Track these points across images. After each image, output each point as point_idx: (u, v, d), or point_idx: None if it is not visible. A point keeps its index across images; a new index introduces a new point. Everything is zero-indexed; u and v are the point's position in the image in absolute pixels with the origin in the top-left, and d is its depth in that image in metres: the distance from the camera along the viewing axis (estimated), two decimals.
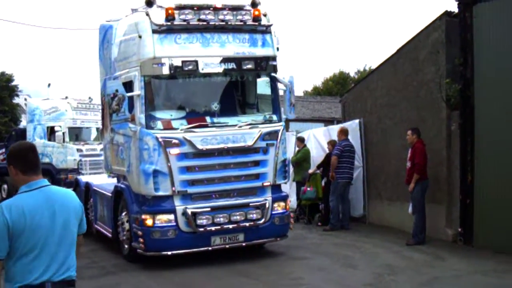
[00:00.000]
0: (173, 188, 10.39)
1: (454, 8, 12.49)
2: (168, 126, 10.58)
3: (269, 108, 11.57)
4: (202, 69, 10.63)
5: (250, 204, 10.90)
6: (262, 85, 11.80)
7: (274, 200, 11.15)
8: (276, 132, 11.12)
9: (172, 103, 11.14)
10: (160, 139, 10.33)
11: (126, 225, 11.26)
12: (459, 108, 12.21)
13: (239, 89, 11.81)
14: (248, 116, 11.31)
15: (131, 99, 10.66)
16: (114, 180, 13.83)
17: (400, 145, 13.56)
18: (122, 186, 11.48)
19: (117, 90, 10.58)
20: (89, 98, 26.62)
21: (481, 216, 11.46)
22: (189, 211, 10.42)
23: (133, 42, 10.89)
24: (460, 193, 11.94)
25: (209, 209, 10.58)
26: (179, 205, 10.47)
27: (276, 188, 11.28)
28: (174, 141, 10.42)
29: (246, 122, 10.99)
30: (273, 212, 11.13)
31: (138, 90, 10.62)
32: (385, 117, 14.62)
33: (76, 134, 25.91)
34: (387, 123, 14.59)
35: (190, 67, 10.56)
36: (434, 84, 12.77)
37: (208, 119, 10.86)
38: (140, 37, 10.57)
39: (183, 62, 10.51)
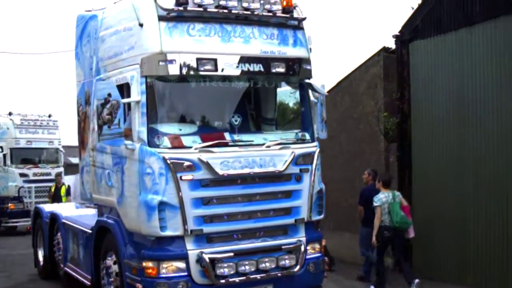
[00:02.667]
0: (186, 227, 7.80)
1: (391, 44, 13.29)
2: (177, 144, 8.01)
3: (296, 124, 9.16)
4: (222, 70, 8.13)
5: (283, 247, 8.41)
6: (286, 95, 9.39)
7: (308, 241, 8.70)
8: (311, 154, 8.70)
9: (181, 113, 8.56)
10: (169, 161, 7.75)
11: (114, 272, 8.58)
12: (397, 141, 12.96)
13: (265, 98, 9.33)
14: (276, 134, 8.84)
15: (126, 107, 8.06)
16: (89, 211, 11.18)
17: (339, 176, 14.22)
18: (109, 221, 8.79)
19: (109, 95, 7.97)
20: (49, 114, 23.58)
21: (419, 246, 11.93)
22: (206, 257, 7.84)
23: (129, 33, 8.32)
24: None
25: (231, 254, 8.03)
26: (192, 249, 7.89)
27: (309, 225, 8.83)
28: (187, 163, 7.85)
29: (275, 141, 8.52)
30: (308, 257, 8.67)
31: (137, 95, 8.04)
32: (326, 148, 12.78)
33: (23, 155, 22.89)
34: (328, 154, 13.53)
35: (208, 66, 8.05)
36: (372, 117, 13.44)
37: (227, 136, 8.35)
38: (141, 25, 8.02)
39: (198, 60, 7.99)
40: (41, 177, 22.46)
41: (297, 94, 9.13)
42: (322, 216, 8.91)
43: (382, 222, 10.79)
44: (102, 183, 9.07)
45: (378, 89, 13.60)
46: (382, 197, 10.89)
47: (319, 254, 8.83)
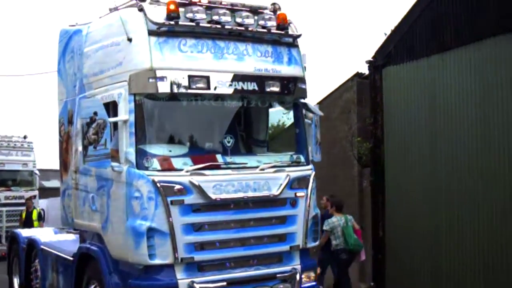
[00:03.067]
0: (176, 254, 7.31)
1: (365, 70, 13.45)
2: (167, 166, 7.55)
3: (290, 146, 8.76)
4: (215, 89, 7.72)
5: (278, 276, 7.96)
6: (278, 115, 9.00)
7: (303, 270, 8.26)
8: (306, 178, 8.29)
9: (171, 134, 8.11)
10: (159, 184, 7.28)
11: None
12: (370, 166, 13.09)
13: (257, 119, 8.91)
14: (269, 156, 8.42)
15: (113, 127, 7.59)
16: (69, 236, 10.62)
17: None
18: (93, 248, 8.25)
19: (95, 113, 7.50)
20: (24, 136, 22.87)
21: (392, 271, 12.09)
22: (197, 287, 7.35)
23: (117, 48, 7.89)
24: (372, 248, 12.54)
25: (224, 283, 7.55)
26: (182, 278, 7.40)
27: (304, 252, 8.38)
28: (178, 187, 7.39)
29: (270, 163, 8.10)
30: (302, 286, 8.22)
31: (124, 114, 7.58)
32: None
33: None
34: None
35: (200, 84, 7.64)
36: (346, 142, 13.71)
37: (219, 158, 7.90)
38: (129, 40, 7.60)
39: (190, 77, 7.57)
40: (14, 201, 21.65)
41: (290, 114, 8.74)
42: (317, 243, 8.48)
43: (337, 245, 11.07)
44: (85, 207, 8.55)
45: (351, 114, 13.92)
46: (334, 221, 11.15)
47: (313, 283, 8.39)
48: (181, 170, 7.51)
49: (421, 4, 11.75)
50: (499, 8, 10.15)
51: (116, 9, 8.35)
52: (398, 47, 12.31)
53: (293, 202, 8.13)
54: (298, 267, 8.18)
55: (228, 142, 7.98)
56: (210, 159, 7.81)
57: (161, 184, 7.29)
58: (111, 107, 7.74)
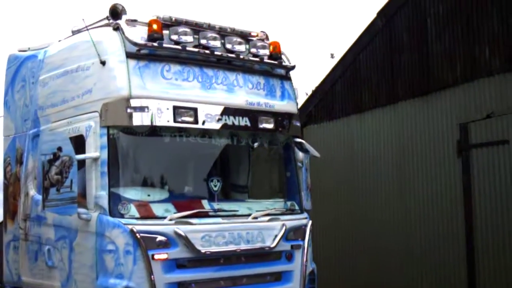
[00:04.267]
0: None
1: None
2: (147, 214, 6.30)
3: (278, 191, 7.69)
4: (203, 123, 6.61)
5: None
6: (263, 157, 7.94)
7: None
8: (303, 228, 7.21)
9: (150, 175, 6.87)
10: (138, 235, 6.02)
11: None
12: None
13: (244, 160, 7.77)
14: (260, 202, 7.28)
15: (79, 166, 6.29)
16: None
17: None
18: None
19: (59, 149, 6.19)
20: None
21: None
22: None
23: (85, 74, 6.69)
24: None
25: None
26: None
27: None
28: (160, 238, 6.14)
29: (262, 211, 6.98)
30: None
31: (94, 151, 6.32)
32: None
33: None
34: None
35: (186, 118, 6.52)
36: None
37: (206, 204, 6.72)
38: (103, 63, 6.42)
39: (175, 108, 6.45)
40: None
41: (277, 156, 7.69)
42: None
43: None
44: (37, 262, 7.12)
45: None
46: None
47: None
48: (163, 218, 6.28)
49: (341, 67, 12.35)
50: (412, 73, 10.64)
51: (80, 31, 7.15)
52: (318, 107, 12.85)
53: (289, 256, 7.02)
54: None
55: (215, 186, 6.83)
56: (195, 205, 6.62)
57: (141, 234, 6.03)
58: (74, 143, 6.42)
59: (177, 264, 6.22)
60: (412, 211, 10.45)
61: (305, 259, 7.10)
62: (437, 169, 9.85)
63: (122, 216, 6.14)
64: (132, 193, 6.37)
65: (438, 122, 9.94)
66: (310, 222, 7.29)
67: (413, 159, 10.44)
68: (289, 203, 7.36)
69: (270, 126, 7.11)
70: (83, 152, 6.38)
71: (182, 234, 6.20)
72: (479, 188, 9.18)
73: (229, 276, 6.54)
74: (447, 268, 9.72)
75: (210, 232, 6.42)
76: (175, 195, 6.75)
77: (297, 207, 7.40)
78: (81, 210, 6.20)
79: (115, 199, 6.20)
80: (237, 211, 6.83)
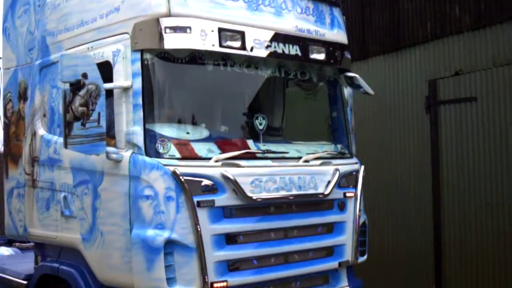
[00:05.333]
0: (206, 278, 5.09)
1: None
2: (189, 154, 5.33)
3: (323, 133, 6.78)
4: (252, 50, 5.61)
5: None
6: (308, 92, 6.98)
7: None
8: (355, 174, 6.34)
9: (188, 110, 5.86)
10: (183, 178, 5.05)
11: None
12: None
13: (292, 96, 6.80)
14: (308, 144, 6.34)
15: (107, 98, 5.25)
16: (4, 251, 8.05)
17: None
18: (65, 268, 5.86)
19: (84, 76, 5.13)
20: None
21: None
22: None
23: None
24: None
25: None
26: None
27: (350, 270, 6.42)
28: (206, 182, 5.20)
29: (313, 153, 6.08)
30: None
31: (124, 79, 5.30)
32: None
33: None
34: None
35: (233, 42, 5.50)
36: None
37: (251, 144, 5.76)
38: None
39: (221, 31, 5.43)
40: None
41: (325, 93, 6.75)
42: (365, 258, 6.51)
43: None
44: (49, 212, 6.12)
45: None
46: None
47: None
48: (208, 159, 5.33)
49: None
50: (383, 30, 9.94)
51: None
52: None
53: (342, 205, 6.16)
54: None
55: (260, 124, 5.87)
56: (240, 145, 5.67)
57: (186, 178, 5.07)
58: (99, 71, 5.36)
59: (224, 213, 5.29)
60: (381, 163, 9.75)
61: (358, 209, 6.25)
62: (406, 124, 9.36)
63: (160, 156, 5.16)
64: (169, 130, 5.37)
65: (408, 79, 9.43)
66: (363, 167, 6.41)
67: (382, 115, 9.78)
68: (339, 146, 6.46)
69: (321, 57, 6.16)
70: (110, 81, 5.34)
71: (231, 177, 5.26)
72: (446, 144, 8.85)
73: (280, 227, 5.65)
74: (413, 218, 9.23)
75: (260, 176, 5.50)
76: (217, 134, 5.78)
77: (347, 151, 6.52)
78: (110, 149, 5.20)
79: (151, 136, 5.21)
80: (287, 153, 5.91)
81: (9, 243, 8.27)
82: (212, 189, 5.22)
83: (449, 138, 8.82)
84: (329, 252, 6.06)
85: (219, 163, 5.32)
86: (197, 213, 5.07)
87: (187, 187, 5.05)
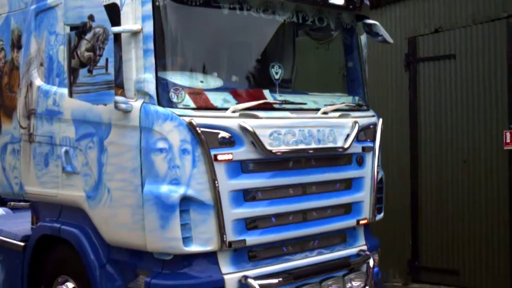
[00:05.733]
0: (224, 237, 4.75)
1: None
2: (204, 104, 4.93)
3: (341, 84, 6.41)
4: None
5: (352, 263, 5.66)
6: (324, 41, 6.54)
7: (369, 252, 6.00)
8: (373, 127, 5.99)
9: (202, 57, 5.42)
10: (199, 129, 4.67)
11: None
12: None
13: (307, 44, 6.38)
14: (324, 96, 5.96)
15: (115, 43, 4.79)
16: None
17: None
18: (67, 229, 5.47)
19: (91, 18, 4.67)
20: None
21: None
22: (254, 284, 4.85)
23: None
24: None
25: (287, 277, 5.12)
26: (230, 272, 4.88)
27: (366, 229, 6.13)
28: (223, 134, 4.82)
29: (331, 105, 5.71)
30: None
31: (133, 22, 4.85)
32: None
33: None
34: None
35: None
36: None
37: (267, 94, 5.37)
38: None
39: None
40: None
41: (342, 41, 6.34)
42: (382, 215, 6.22)
43: None
44: (48, 168, 5.70)
45: None
46: None
47: (377, 269, 6.13)
48: (224, 109, 4.94)
49: None
50: None
51: None
52: None
53: (360, 160, 5.83)
54: (365, 248, 5.91)
55: (276, 73, 5.47)
56: (256, 95, 5.28)
57: (203, 129, 4.68)
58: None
59: (242, 168, 4.93)
60: None
61: (376, 164, 5.92)
62: (385, 82, 9.18)
63: (174, 105, 4.75)
64: (182, 79, 4.94)
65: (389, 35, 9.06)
66: (381, 120, 6.07)
67: None
68: (356, 98, 6.09)
69: (340, 1, 5.74)
70: (118, 25, 4.89)
71: (250, 129, 4.88)
72: (424, 102, 8.78)
73: (299, 183, 5.31)
74: (392, 177, 8.83)
75: (279, 128, 5.13)
76: (231, 83, 5.38)
77: (364, 103, 6.16)
78: (118, 98, 4.78)
79: (163, 84, 4.79)
80: (305, 104, 5.53)
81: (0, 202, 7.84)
82: (230, 142, 4.84)
83: (427, 95, 8.72)
84: (347, 209, 5.75)
85: (237, 114, 4.94)
86: (215, 168, 4.70)
87: (204, 139, 4.67)
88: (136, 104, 4.80)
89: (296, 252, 5.34)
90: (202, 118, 4.73)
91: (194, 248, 4.68)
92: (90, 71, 4.66)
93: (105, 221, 5.08)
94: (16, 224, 6.58)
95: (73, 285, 5.46)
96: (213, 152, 4.70)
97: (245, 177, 4.93)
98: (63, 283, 5.57)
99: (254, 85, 5.56)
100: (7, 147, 6.31)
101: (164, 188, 4.63)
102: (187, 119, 4.67)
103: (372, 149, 5.91)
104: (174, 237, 4.62)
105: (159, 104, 4.74)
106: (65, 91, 5.29)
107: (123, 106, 4.79)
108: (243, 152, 4.90)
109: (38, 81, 5.81)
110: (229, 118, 4.88)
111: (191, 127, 4.65)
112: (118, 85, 4.85)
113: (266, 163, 5.07)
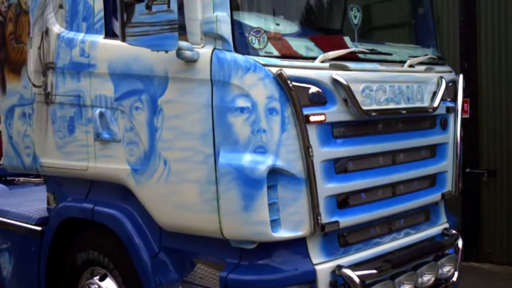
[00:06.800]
0: (318, 218, 3.80)
1: None
2: (288, 51, 3.93)
3: (414, 33, 5.50)
4: None
5: (445, 245, 4.80)
6: None
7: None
8: (453, 85, 5.10)
9: None
10: (290, 83, 3.67)
11: None
12: None
13: None
14: (401, 47, 5.02)
15: None
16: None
17: None
18: (105, 210, 4.43)
19: None
20: None
21: None
22: (352, 276, 3.93)
23: None
24: None
25: (386, 266, 4.21)
26: (322, 262, 3.94)
27: (445, 204, 5.27)
28: (313, 89, 3.84)
29: (416, 57, 4.79)
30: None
31: None
32: None
33: None
34: None
35: None
36: None
37: (348, 42, 4.39)
38: None
39: None
40: None
41: None
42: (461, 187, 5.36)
43: None
44: (75, 135, 4.61)
45: None
46: None
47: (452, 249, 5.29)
48: (311, 59, 3.96)
49: None
50: None
51: None
52: None
53: (444, 122, 4.95)
54: (447, 226, 5.07)
55: (355, 17, 4.51)
56: (339, 43, 4.30)
57: (295, 83, 3.70)
58: None
59: (333, 132, 3.98)
60: None
61: (459, 128, 5.06)
62: None
63: (255, 53, 3.75)
64: (256, 20, 3.94)
65: None
66: (461, 76, 5.19)
67: None
68: (434, 49, 5.19)
69: None
70: None
71: (345, 83, 3.92)
72: None
73: (389, 150, 4.40)
74: None
75: (371, 83, 4.19)
76: (308, 28, 4.38)
77: (442, 56, 5.27)
78: (183, 43, 3.74)
79: (240, 26, 3.77)
80: (390, 55, 4.60)
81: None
82: (321, 99, 3.88)
83: None
84: (432, 181, 4.88)
85: (327, 65, 3.97)
86: (308, 132, 3.74)
87: (295, 96, 3.68)
88: (205, 51, 3.77)
89: (384, 234, 4.45)
90: (290, 69, 3.74)
91: (283, 233, 3.72)
92: (148, 7, 3.60)
93: (160, 201, 4.06)
94: (22, 204, 5.48)
95: (111, 280, 4.43)
96: (305, 112, 3.73)
97: (337, 144, 3.99)
98: (95, 277, 4.55)
99: (332, 30, 4.59)
100: (15, 111, 5.16)
101: (247, 158, 3.64)
102: (273, 69, 3.67)
103: (455, 110, 5.03)
104: (261, 221, 3.65)
105: (236, 50, 3.72)
106: (97, 38, 4.30)
107: (188, 53, 3.75)
108: (335, 113, 3.95)
109: (57, 28, 4.69)
110: (319, 69, 3.91)
111: (280, 80, 3.66)
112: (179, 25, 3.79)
113: (358, 126, 4.13)
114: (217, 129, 3.73)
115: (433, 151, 4.87)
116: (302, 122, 3.70)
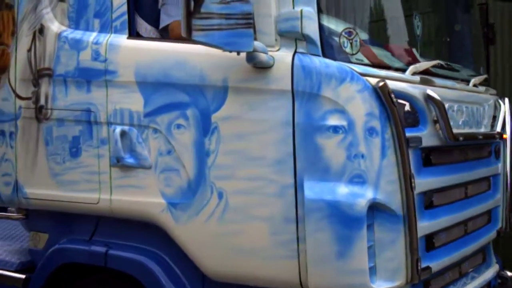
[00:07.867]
0: (418, 265, 3.07)
1: None
2: (376, 60, 3.24)
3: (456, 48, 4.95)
4: None
5: None
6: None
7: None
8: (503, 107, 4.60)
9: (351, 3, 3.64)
10: (394, 99, 2.96)
11: None
12: None
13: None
14: (453, 64, 4.44)
15: None
16: None
17: None
18: (125, 255, 3.47)
19: None
20: None
21: None
22: None
23: None
24: None
25: None
26: None
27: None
28: (408, 107, 3.17)
29: (475, 76, 4.25)
30: None
31: None
32: None
33: None
34: None
35: None
36: None
37: (415, 53, 3.76)
38: None
39: None
40: None
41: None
42: None
43: None
44: (79, 159, 3.63)
45: None
46: None
47: None
48: (403, 70, 3.29)
49: None
50: None
51: None
52: None
53: (498, 151, 4.41)
54: (497, 267, 4.50)
55: (418, 26, 3.90)
56: (409, 54, 3.67)
57: (397, 99, 3.00)
58: None
59: (423, 157, 3.30)
60: None
61: (508, 156, 4.53)
62: None
63: (346, 59, 3.02)
64: (336, 23, 3.21)
65: None
66: (507, 100, 4.68)
67: None
68: (484, 69, 4.67)
69: None
70: None
71: (440, 100, 3.27)
72: None
73: (465, 182, 3.78)
74: None
75: (453, 102, 3.57)
76: (375, 35, 3.70)
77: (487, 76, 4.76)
78: (258, 44, 2.94)
79: (328, 25, 3.04)
80: (457, 71, 4.01)
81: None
82: (415, 119, 3.21)
83: None
84: (489, 216, 4.30)
85: (417, 78, 3.30)
86: (408, 158, 3.03)
87: (397, 114, 2.97)
88: (282, 55, 2.99)
89: (456, 280, 3.79)
90: (391, 81, 3.04)
91: (380, 284, 2.97)
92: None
93: (209, 243, 3.19)
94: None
95: None
96: (408, 134, 3.03)
97: (428, 174, 3.30)
98: None
99: (397, 39, 3.92)
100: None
101: (343, 190, 2.88)
102: (372, 80, 2.96)
103: (506, 136, 4.51)
104: (359, 269, 2.89)
105: (324, 54, 2.97)
106: (118, 38, 3.38)
107: (263, 57, 2.96)
108: (427, 136, 3.28)
109: (56, 26, 3.73)
110: (411, 82, 3.24)
111: (382, 93, 2.94)
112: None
113: (444, 152, 3.48)
114: (300, 153, 2.94)
115: (489, 183, 4.30)
116: (405, 146, 2.99)
